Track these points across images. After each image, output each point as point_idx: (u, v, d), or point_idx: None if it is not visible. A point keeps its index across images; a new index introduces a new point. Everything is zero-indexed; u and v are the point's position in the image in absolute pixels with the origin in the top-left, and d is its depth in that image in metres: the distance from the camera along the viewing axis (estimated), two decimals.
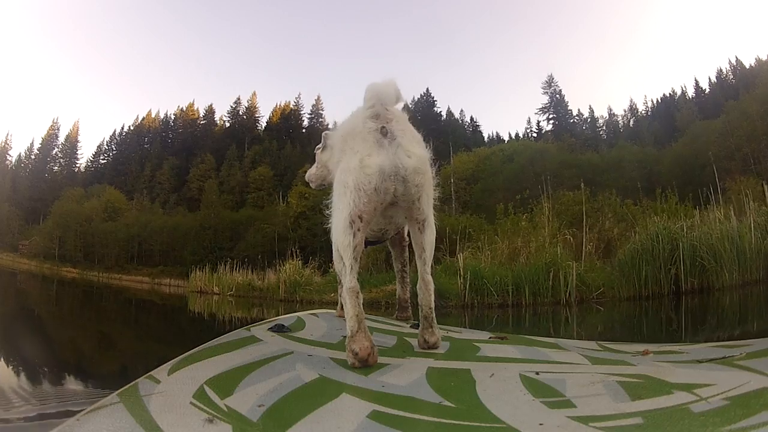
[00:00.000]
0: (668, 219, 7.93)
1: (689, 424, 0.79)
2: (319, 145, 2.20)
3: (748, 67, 25.16)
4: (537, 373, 1.15)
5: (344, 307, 1.32)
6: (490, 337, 1.66)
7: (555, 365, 1.25)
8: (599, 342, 1.57)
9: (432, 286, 1.44)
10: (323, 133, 2.17)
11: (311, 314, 2.11)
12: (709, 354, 1.24)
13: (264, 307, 10.16)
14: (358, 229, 1.31)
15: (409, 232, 1.60)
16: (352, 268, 1.31)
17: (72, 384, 3.60)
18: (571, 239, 8.70)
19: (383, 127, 1.33)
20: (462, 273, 7.79)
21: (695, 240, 7.02)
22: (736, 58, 26.67)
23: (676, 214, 8.56)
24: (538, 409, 0.93)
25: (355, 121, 1.39)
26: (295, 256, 12.19)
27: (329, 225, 1.48)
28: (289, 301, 10.60)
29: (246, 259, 15.11)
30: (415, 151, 1.35)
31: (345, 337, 1.32)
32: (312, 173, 2.31)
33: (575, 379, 1.11)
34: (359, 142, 1.34)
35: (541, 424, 0.84)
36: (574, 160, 21.19)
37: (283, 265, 12.25)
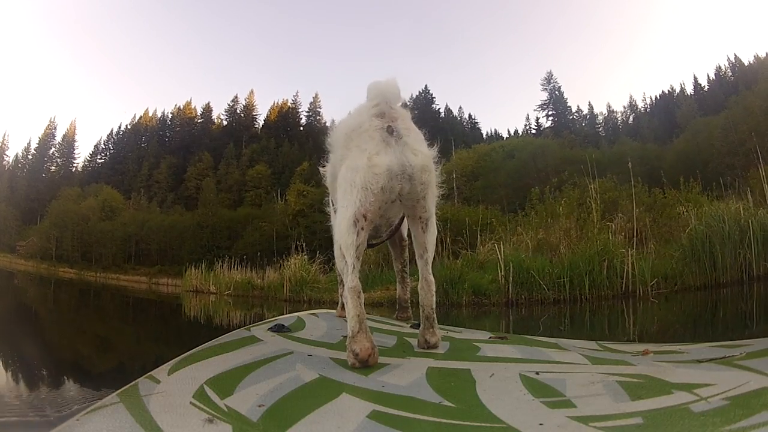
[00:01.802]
0: (697, 208, 7.44)
1: (689, 424, 0.80)
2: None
3: (746, 64, 25.30)
4: (537, 373, 1.15)
5: (345, 306, 1.31)
6: (490, 337, 1.67)
7: (555, 365, 1.25)
8: (599, 342, 1.58)
9: (434, 287, 1.44)
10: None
11: (311, 314, 2.11)
12: (710, 354, 1.24)
13: (266, 309, 9.53)
14: (362, 228, 1.30)
15: (409, 233, 1.60)
16: (354, 267, 1.30)
17: (71, 384, 3.59)
18: (612, 226, 7.92)
19: (390, 125, 1.33)
20: (502, 266, 6.94)
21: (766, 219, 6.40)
22: (735, 55, 26.85)
23: (701, 203, 8.03)
24: (538, 409, 0.93)
25: (360, 119, 1.38)
26: (300, 250, 11.05)
27: (331, 223, 1.47)
28: (295, 301, 9.64)
29: (245, 257, 14.58)
30: (421, 150, 1.36)
31: (345, 337, 1.32)
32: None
33: (575, 379, 1.11)
34: (366, 140, 1.33)
35: (541, 424, 0.84)
36: (576, 156, 21.15)
37: (287, 261, 11.17)
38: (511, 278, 6.84)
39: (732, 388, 0.92)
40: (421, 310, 1.45)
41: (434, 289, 1.44)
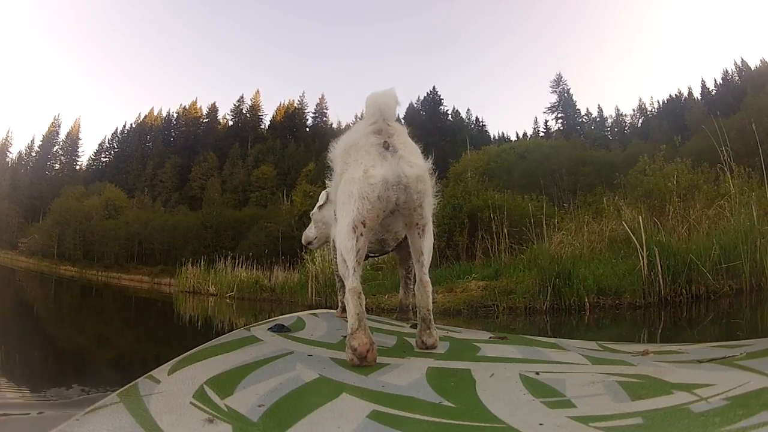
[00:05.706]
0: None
1: (689, 424, 0.79)
2: (319, 203, 2.29)
3: (753, 68, 25.23)
4: (537, 373, 1.15)
5: (346, 306, 1.33)
6: (490, 337, 1.67)
7: (555, 365, 1.25)
8: (599, 342, 1.58)
9: (430, 288, 1.47)
10: (322, 192, 2.25)
11: (311, 314, 2.12)
12: (710, 354, 1.24)
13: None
14: (361, 234, 1.35)
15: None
16: (354, 270, 1.34)
17: (72, 384, 3.60)
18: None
19: (386, 141, 1.39)
20: (644, 252, 5.44)
21: None
22: (742, 59, 26.88)
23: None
24: (538, 409, 0.93)
25: (357, 136, 1.44)
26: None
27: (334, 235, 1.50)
28: (328, 307, 6.86)
29: (251, 255, 13.76)
30: (416, 162, 1.41)
31: (345, 336, 1.34)
32: (311, 234, 2.38)
33: (575, 379, 1.11)
34: (363, 154, 1.39)
35: (541, 424, 0.84)
36: (590, 157, 20.93)
37: (310, 254, 9.01)
38: (659, 268, 5.28)
39: (732, 388, 0.92)
40: (417, 312, 1.48)
41: (430, 290, 1.47)
